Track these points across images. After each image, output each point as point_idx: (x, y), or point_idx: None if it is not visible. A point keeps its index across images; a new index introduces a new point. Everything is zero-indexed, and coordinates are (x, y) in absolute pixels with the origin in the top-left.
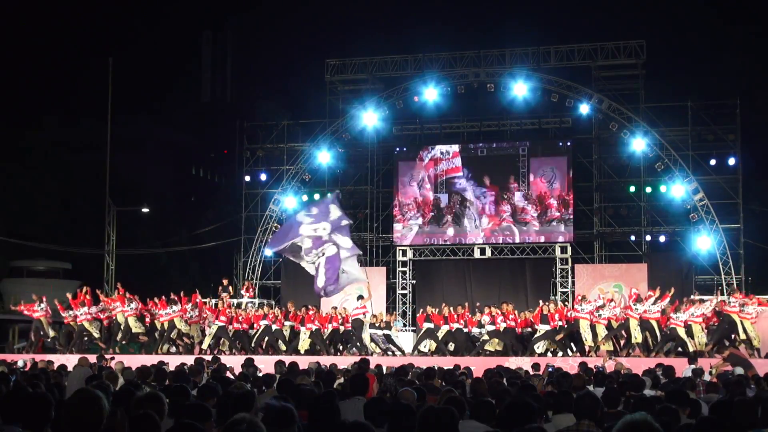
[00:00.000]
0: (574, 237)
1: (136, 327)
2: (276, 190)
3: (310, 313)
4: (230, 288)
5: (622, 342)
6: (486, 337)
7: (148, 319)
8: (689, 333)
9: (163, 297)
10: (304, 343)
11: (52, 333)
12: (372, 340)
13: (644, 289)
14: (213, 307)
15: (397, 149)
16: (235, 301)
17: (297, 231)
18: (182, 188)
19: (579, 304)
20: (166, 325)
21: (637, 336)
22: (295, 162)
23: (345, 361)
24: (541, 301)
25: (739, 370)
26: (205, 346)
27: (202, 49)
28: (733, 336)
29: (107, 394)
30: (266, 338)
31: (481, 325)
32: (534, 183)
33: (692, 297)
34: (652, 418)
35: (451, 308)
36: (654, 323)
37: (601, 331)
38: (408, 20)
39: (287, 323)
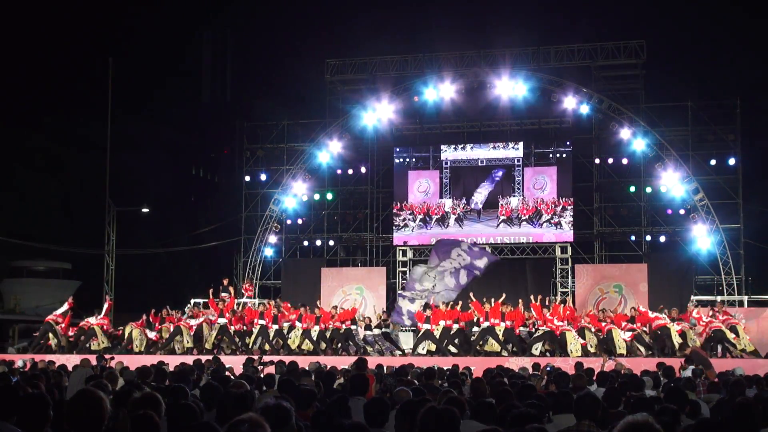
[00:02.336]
0: (574, 237)
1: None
2: (276, 190)
3: (316, 311)
4: (230, 288)
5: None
6: (475, 335)
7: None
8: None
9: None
10: (297, 339)
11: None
12: (366, 342)
13: (644, 289)
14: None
15: (407, 159)
16: (236, 301)
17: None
18: (182, 188)
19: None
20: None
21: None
22: (295, 162)
23: (345, 361)
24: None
25: (740, 371)
26: (209, 345)
27: (202, 49)
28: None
29: (107, 394)
30: (262, 339)
31: (477, 324)
32: (528, 191)
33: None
34: (653, 419)
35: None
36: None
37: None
38: (408, 20)
39: (285, 324)
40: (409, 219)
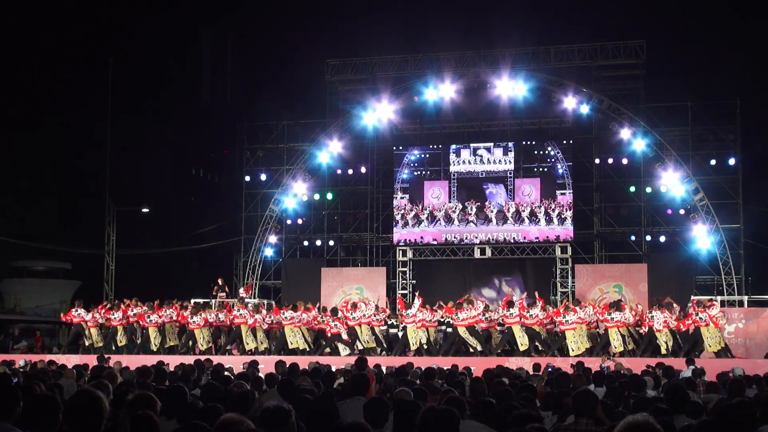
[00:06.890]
0: (574, 237)
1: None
2: (276, 190)
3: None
4: (226, 287)
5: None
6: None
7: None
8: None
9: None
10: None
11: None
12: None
13: (644, 289)
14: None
15: (423, 172)
16: (233, 300)
17: None
18: (182, 188)
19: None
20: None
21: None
22: (295, 162)
23: (345, 361)
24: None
25: (739, 371)
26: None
27: (201, 48)
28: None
29: (107, 394)
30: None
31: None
32: (518, 197)
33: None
34: (653, 419)
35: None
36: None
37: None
38: (408, 20)
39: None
40: (425, 218)
